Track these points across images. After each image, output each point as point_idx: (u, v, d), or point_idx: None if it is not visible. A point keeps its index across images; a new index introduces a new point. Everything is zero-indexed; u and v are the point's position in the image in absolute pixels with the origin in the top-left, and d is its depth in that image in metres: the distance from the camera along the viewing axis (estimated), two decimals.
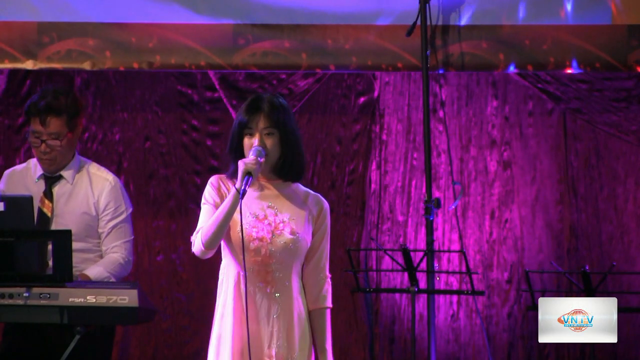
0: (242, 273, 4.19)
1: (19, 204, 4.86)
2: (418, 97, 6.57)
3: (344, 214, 6.62)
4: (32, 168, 5.31)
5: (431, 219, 5.92)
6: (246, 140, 4.21)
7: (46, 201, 5.22)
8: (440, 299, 6.50)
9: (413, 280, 5.28)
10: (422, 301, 6.38)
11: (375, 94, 6.65)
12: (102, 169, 5.36)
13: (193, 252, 4.24)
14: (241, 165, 4.12)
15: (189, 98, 6.64)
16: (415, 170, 6.61)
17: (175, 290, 6.61)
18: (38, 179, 5.25)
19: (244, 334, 4.16)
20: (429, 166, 5.98)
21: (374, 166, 6.64)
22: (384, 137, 6.64)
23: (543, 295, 6.40)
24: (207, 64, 6.16)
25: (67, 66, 6.16)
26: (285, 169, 4.26)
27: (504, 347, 6.56)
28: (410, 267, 5.27)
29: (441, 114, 6.54)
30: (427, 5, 6.00)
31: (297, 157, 4.27)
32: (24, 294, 4.52)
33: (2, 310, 4.54)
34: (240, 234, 4.16)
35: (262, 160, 4.16)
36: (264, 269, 4.20)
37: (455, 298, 6.54)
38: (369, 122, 6.64)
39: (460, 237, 6.44)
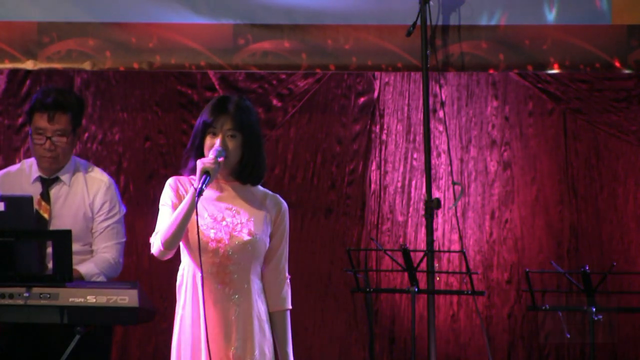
0: (200, 274, 4.19)
1: (19, 204, 4.85)
2: (418, 97, 6.57)
3: (344, 214, 6.62)
4: (26, 169, 5.29)
5: (429, 218, 5.92)
6: (208, 140, 4.19)
7: (43, 203, 5.20)
8: (441, 299, 6.50)
9: (413, 280, 5.27)
10: (422, 301, 6.38)
11: (375, 94, 6.65)
12: (97, 169, 5.35)
13: (152, 254, 4.23)
14: (199, 164, 4.11)
15: (189, 98, 6.64)
16: (415, 171, 6.61)
17: (175, 291, 6.60)
18: (34, 181, 5.23)
19: (200, 336, 4.16)
20: (429, 166, 5.98)
21: (373, 166, 6.64)
22: (384, 137, 6.64)
23: (543, 296, 6.40)
24: (207, 64, 6.15)
25: (67, 66, 6.16)
26: (245, 172, 4.25)
27: (504, 348, 6.56)
28: (410, 268, 5.27)
29: (441, 114, 6.54)
30: (427, 5, 5.99)
31: (258, 161, 4.26)
32: (24, 294, 4.52)
33: (2, 310, 4.54)
34: (197, 235, 4.15)
35: (222, 160, 4.14)
36: (222, 271, 4.19)
37: (455, 298, 6.54)
38: (369, 122, 6.64)
39: (460, 238, 6.44)
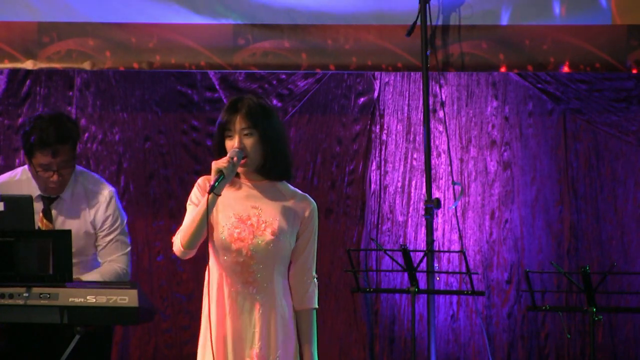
0: (223, 273, 4.21)
1: (19, 204, 4.85)
2: (418, 97, 6.57)
3: (344, 214, 6.62)
4: (25, 182, 5.24)
5: (429, 218, 5.92)
6: (227, 142, 4.23)
7: (45, 221, 5.18)
8: (440, 299, 6.50)
9: (413, 280, 5.28)
10: (422, 301, 6.38)
11: (375, 94, 6.65)
12: (97, 181, 5.29)
13: (174, 252, 4.25)
14: (213, 165, 4.15)
15: (189, 98, 6.64)
16: (415, 171, 6.61)
17: (175, 290, 6.61)
18: (35, 199, 5.19)
19: (225, 335, 4.18)
20: (428, 166, 5.98)
21: (373, 166, 6.64)
22: (384, 137, 6.64)
23: (543, 296, 6.41)
24: (207, 64, 6.16)
25: (67, 66, 6.16)
26: (268, 169, 4.26)
27: (503, 347, 6.56)
28: (410, 268, 5.27)
29: (441, 114, 6.54)
30: (427, 5, 6.00)
31: (280, 156, 4.27)
32: (24, 294, 4.52)
33: (2, 310, 4.54)
34: (221, 235, 4.19)
35: (236, 159, 4.16)
36: (246, 270, 4.20)
37: (455, 298, 6.54)
38: (369, 122, 6.64)
39: (460, 238, 6.44)
